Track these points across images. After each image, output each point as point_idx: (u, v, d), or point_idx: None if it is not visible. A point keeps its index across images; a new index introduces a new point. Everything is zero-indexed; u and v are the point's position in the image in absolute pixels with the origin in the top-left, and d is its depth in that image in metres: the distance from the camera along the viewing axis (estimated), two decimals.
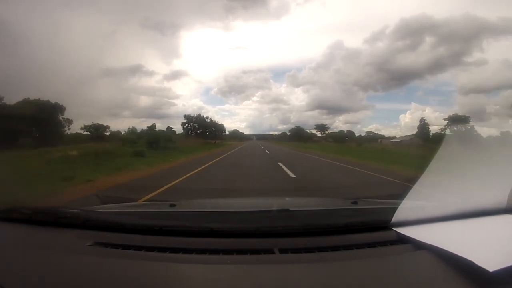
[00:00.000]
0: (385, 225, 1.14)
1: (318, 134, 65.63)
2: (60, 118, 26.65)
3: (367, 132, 61.85)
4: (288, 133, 72.47)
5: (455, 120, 37.01)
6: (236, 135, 75.46)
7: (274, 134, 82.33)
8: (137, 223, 1.20)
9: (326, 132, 66.57)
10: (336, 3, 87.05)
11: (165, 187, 6.11)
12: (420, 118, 50.31)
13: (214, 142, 44.78)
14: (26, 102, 22.55)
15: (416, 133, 43.73)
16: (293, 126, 71.78)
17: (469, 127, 34.89)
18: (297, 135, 64.06)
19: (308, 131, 66.44)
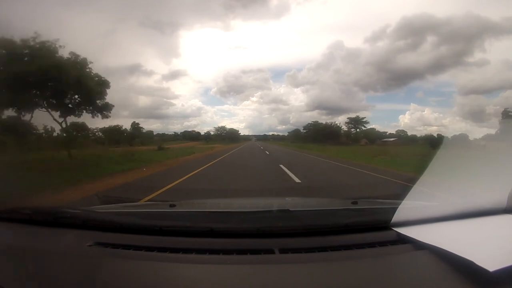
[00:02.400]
0: (385, 225, 1.14)
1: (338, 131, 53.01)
2: None
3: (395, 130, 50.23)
4: (303, 131, 59.99)
5: None
6: (227, 134, 64.02)
7: (277, 134, 75.66)
8: (137, 223, 1.20)
9: (362, 128, 52.62)
10: (337, 2, 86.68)
11: None
12: (502, 111, 36.31)
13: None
14: None
15: (496, 130, 31.76)
16: (310, 122, 60.04)
17: None
18: (320, 134, 50.57)
19: (342, 129, 52.31)
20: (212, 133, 67.13)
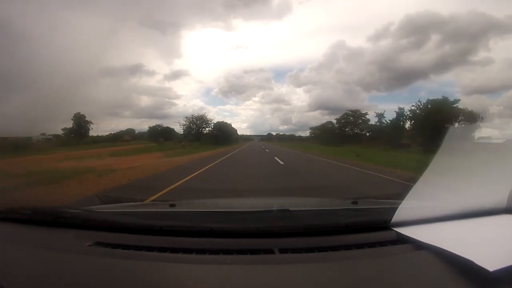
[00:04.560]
0: (385, 225, 1.14)
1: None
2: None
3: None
4: (336, 125, 39.47)
5: None
6: (214, 132, 39.67)
7: (282, 133, 65.68)
8: (137, 223, 1.20)
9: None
10: (339, 1, 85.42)
11: None
12: None
13: None
14: None
15: None
16: (348, 111, 39.35)
17: None
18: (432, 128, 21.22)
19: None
20: (188, 129, 40.26)
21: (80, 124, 35.59)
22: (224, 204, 2.13)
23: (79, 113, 35.24)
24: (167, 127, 42.37)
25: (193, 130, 40.93)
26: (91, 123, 36.28)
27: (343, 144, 32.45)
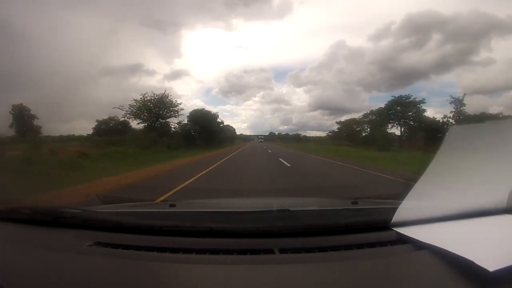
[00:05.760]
0: (385, 225, 1.14)
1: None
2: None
3: None
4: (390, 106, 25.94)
5: None
6: (188, 126, 26.38)
7: (285, 133, 64.98)
8: (137, 223, 1.20)
9: None
10: (340, 0, 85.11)
11: None
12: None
13: None
14: None
15: None
16: (393, 97, 27.32)
17: None
18: None
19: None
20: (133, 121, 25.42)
21: (23, 118, 25.55)
22: (224, 204, 2.14)
23: (21, 104, 24.70)
24: (124, 120, 25.49)
25: (149, 121, 24.05)
26: (36, 117, 25.63)
27: (388, 148, 20.97)
